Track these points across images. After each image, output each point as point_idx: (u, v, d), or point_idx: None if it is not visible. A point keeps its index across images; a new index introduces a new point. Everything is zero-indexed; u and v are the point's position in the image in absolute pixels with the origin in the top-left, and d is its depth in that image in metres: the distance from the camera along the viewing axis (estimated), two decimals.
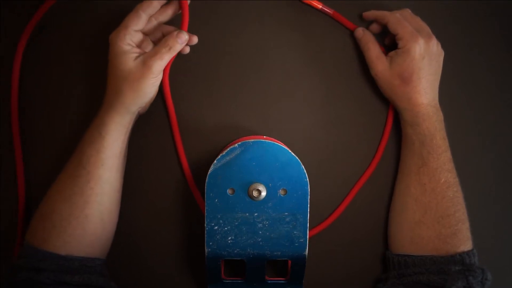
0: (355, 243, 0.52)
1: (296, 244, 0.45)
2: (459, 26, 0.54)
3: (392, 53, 0.49)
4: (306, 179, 0.44)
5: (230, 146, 0.45)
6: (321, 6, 0.52)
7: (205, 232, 0.45)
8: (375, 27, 0.52)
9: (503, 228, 0.54)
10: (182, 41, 0.46)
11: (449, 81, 0.54)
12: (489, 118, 0.54)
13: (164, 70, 0.49)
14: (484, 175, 0.54)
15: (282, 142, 0.48)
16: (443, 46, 0.53)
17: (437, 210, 0.46)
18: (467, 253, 0.45)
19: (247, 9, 0.52)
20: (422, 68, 0.47)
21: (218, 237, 0.45)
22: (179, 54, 0.49)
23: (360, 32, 0.51)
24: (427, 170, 0.47)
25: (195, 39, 0.49)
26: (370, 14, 0.51)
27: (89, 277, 0.43)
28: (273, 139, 0.49)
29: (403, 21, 0.48)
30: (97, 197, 0.45)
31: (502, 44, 0.54)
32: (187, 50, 0.51)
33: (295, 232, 0.45)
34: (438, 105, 0.49)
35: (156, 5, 0.46)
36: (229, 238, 0.45)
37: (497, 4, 0.54)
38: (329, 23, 0.53)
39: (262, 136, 0.50)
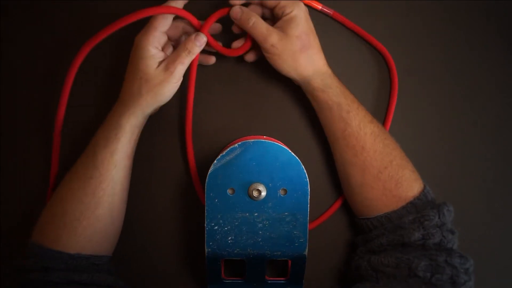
0: (353, 241, 0.52)
1: (296, 244, 0.45)
2: (459, 26, 0.54)
3: (279, 23, 0.46)
4: (306, 179, 0.44)
5: (230, 146, 0.45)
6: (321, 7, 0.52)
7: (205, 232, 0.45)
8: (255, 8, 0.48)
9: (503, 228, 0.54)
10: (200, 44, 0.46)
11: (449, 81, 0.54)
12: (489, 118, 0.54)
13: (191, 75, 0.48)
14: (484, 175, 0.54)
15: (282, 142, 0.48)
16: (441, 47, 0.53)
17: (373, 166, 0.45)
18: (418, 197, 0.44)
19: None
20: (312, 29, 0.47)
21: (218, 237, 0.45)
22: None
23: (237, 11, 0.46)
24: (351, 130, 0.46)
25: (212, 59, 0.50)
26: None
27: (97, 275, 0.44)
28: (273, 139, 0.49)
29: None
30: (108, 197, 0.45)
31: (502, 44, 0.54)
32: (213, 60, 0.50)
33: (295, 232, 0.45)
34: None
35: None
36: (229, 238, 0.45)
37: (497, 4, 0.54)
38: (329, 23, 0.53)
39: (262, 136, 0.51)
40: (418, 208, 0.44)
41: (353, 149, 0.46)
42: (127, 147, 0.46)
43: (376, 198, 0.46)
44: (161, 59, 0.45)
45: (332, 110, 0.47)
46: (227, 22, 0.49)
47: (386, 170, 0.45)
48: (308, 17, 0.47)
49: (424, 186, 0.46)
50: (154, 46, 0.45)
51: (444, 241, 0.42)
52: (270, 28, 0.46)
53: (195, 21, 0.47)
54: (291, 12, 0.45)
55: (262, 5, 0.48)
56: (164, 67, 0.45)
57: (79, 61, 0.46)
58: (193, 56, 0.46)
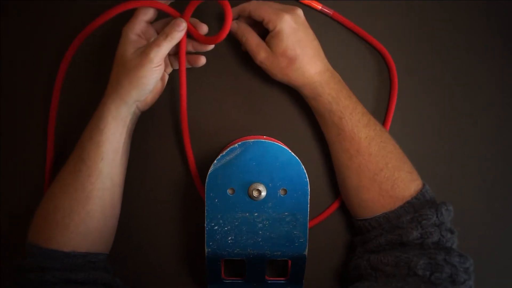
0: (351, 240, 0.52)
1: (296, 244, 0.45)
2: (459, 26, 0.54)
3: (268, 38, 0.47)
4: (306, 179, 0.44)
5: (230, 146, 0.45)
6: (320, 7, 0.52)
7: (205, 232, 0.45)
8: (243, 21, 0.50)
9: (503, 228, 0.54)
10: (180, 29, 0.45)
11: (449, 81, 0.54)
12: (489, 118, 0.54)
13: (181, 75, 0.48)
14: (484, 175, 0.54)
15: (282, 142, 0.48)
16: (441, 47, 0.53)
17: (369, 169, 0.46)
18: (415, 196, 0.45)
19: None
20: (300, 39, 0.46)
21: (218, 237, 0.45)
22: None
23: (234, 25, 0.49)
24: (344, 135, 0.47)
25: (202, 60, 0.49)
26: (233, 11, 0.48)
27: (94, 273, 0.44)
28: (273, 139, 0.49)
29: (263, 5, 0.47)
30: (98, 192, 0.45)
31: (502, 44, 0.54)
32: (202, 61, 0.49)
33: (295, 232, 0.45)
34: (331, 68, 0.48)
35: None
36: (229, 238, 0.45)
37: (497, 4, 0.54)
38: (329, 23, 0.53)
39: (262, 136, 0.51)
40: (416, 207, 0.44)
41: (348, 152, 0.47)
42: (112, 139, 0.45)
43: (373, 199, 0.46)
44: (140, 45, 0.45)
45: (324, 116, 0.48)
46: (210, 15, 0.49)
47: (382, 172, 0.45)
48: (296, 26, 0.46)
49: (423, 186, 0.46)
50: (134, 32, 0.45)
51: (442, 240, 0.42)
52: (260, 44, 0.47)
53: (176, 14, 0.47)
54: (274, 28, 0.46)
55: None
56: (141, 51, 0.44)
57: (70, 54, 0.48)
58: (172, 41, 0.45)
